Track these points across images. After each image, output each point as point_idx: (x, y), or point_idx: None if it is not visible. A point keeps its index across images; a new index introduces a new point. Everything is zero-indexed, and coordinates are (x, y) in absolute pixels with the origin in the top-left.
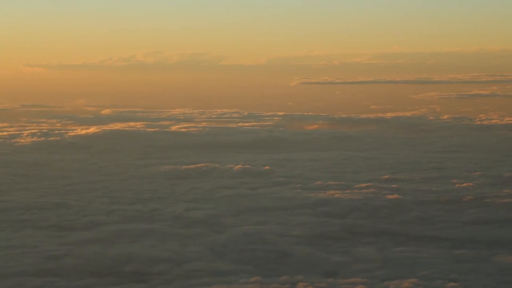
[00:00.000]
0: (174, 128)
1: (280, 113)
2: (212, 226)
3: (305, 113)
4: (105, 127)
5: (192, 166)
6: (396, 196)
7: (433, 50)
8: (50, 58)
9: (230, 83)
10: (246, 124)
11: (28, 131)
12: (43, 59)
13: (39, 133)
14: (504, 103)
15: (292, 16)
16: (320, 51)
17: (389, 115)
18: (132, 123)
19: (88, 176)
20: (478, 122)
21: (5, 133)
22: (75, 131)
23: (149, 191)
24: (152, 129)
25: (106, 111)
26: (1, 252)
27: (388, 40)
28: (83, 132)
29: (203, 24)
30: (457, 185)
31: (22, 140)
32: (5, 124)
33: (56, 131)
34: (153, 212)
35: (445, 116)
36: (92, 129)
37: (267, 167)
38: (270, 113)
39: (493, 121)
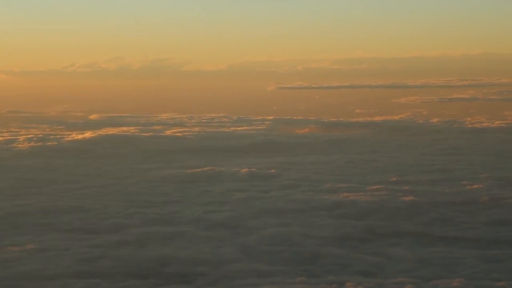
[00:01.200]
0: (168, 132)
1: (270, 117)
2: (235, 228)
3: (294, 117)
4: (101, 132)
5: (197, 170)
6: (411, 198)
7: (395, 56)
8: (12, 65)
9: (203, 88)
10: (239, 128)
11: (24, 136)
12: (4, 65)
13: (35, 138)
14: (487, 106)
15: (251, 22)
16: (281, 57)
17: (378, 118)
18: (124, 128)
19: (96, 180)
20: (470, 125)
21: (0, 138)
22: (70, 136)
23: (161, 194)
24: (147, 134)
25: (93, 116)
26: (33, 255)
27: (348, 45)
28: (80, 137)
29: (164, 29)
30: (467, 186)
31: (19, 145)
32: None
33: (52, 136)
34: (172, 215)
35: (435, 120)
36: (88, 134)
37: (273, 170)
38: (259, 118)
39: (484, 124)
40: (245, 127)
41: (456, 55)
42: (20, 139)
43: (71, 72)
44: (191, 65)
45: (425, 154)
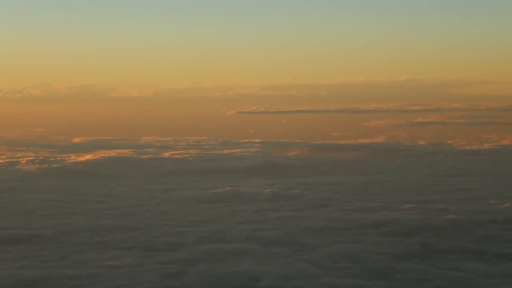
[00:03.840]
0: (166, 154)
1: (256, 140)
2: (291, 246)
3: (281, 140)
4: (103, 154)
5: (219, 190)
6: (452, 216)
7: (323, 82)
8: None
9: (146, 112)
10: (233, 150)
11: (25, 159)
12: None
13: (37, 161)
14: (460, 130)
15: (175, 49)
16: (209, 83)
17: (362, 141)
18: (118, 150)
19: (122, 200)
20: (460, 148)
21: (0, 161)
22: (70, 158)
23: (194, 214)
24: (145, 156)
25: (77, 140)
26: (114, 271)
27: (271, 72)
28: (83, 159)
29: (89, 55)
30: (499, 205)
31: (25, 168)
32: None
33: (52, 159)
34: (221, 233)
35: (422, 142)
36: (89, 156)
37: (295, 191)
38: (246, 140)
39: (474, 146)
40: (238, 150)
41: (383, 81)
42: (23, 162)
43: (1, 98)
44: (118, 91)
45: (432, 175)
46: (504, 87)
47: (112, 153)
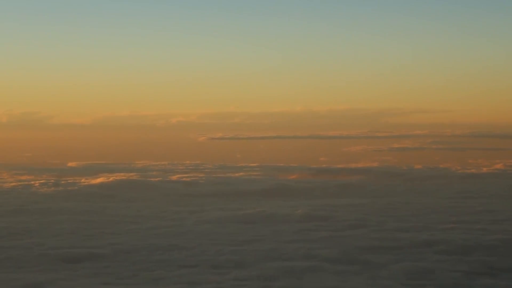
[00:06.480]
0: (174, 178)
1: (253, 164)
2: (352, 264)
3: (278, 164)
4: (113, 177)
5: (249, 212)
6: (500, 235)
7: (261, 110)
8: None
9: (106, 139)
10: (236, 174)
11: (37, 182)
12: None
13: (50, 184)
14: (443, 155)
15: (109, 76)
16: (147, 111)
17: (356, 165)
18: (122, 174)
19: (155, 221)
20: (460, 171)
21: (13, 184)
22: (81, 181)
23: (236, 234)
24: (155, 179)
25: (72, 164)
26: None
27: (208, 100)
28: (96, 182)
29: (25, 83)
30: None
31: (41, 190)
32: None
33: (64, 181)
34: (276, 252)
35: (419, 166)
36: (101, 179)
37: (323, 212)
38: (243, 165)
39: (472, 170)
40: (241, 173)
41: (322, 110)
42: (36, 184)
43: None
44: (57, 119)
45: (448, 198)
46: (444, 116)
47: (117, 176)
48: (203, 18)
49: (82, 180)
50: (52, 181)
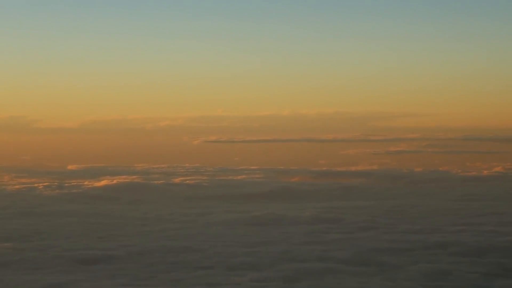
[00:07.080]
0: (177, 180)
1: (254, 167)
2: (368, 265)
3: (278, 167)
4: (116, 180)
5: (258, 214)
6: (511, 237)
7: (250, 114)
8: None
9: (98, 142)
10: (238, 177)
11: (41, 185)
12: None
13: (54, 186)
14: (440, 158)
15: (95, 80)
16: (136, 115)
17: (357, 168)
18: (124, 176)
19: (164, 224)
20: (462, 174)
21: (16, 186)
22: (84, 183)
23: (248, 236)
24: (158, 182)
25: (72, 167)
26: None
27: (194, 103)
28: (100, 184)
29: (12, 86)
30: None
31: (46, 193)
32: None
33: (67, 184)
34: (289, 254)
35: (419, 169)
36: (104, 182)
37: (331, 215)
38: (243, 167)
39: (473, 173)
40: (243, 176)
41: (310, 113)
42: (40, 187)
43: None
44: (44, 123)
45: (454, 200)
46: (430, 120)
47: (120, 179)
48: (187, 21)
49: (86, 183)
50: (56, 183)
